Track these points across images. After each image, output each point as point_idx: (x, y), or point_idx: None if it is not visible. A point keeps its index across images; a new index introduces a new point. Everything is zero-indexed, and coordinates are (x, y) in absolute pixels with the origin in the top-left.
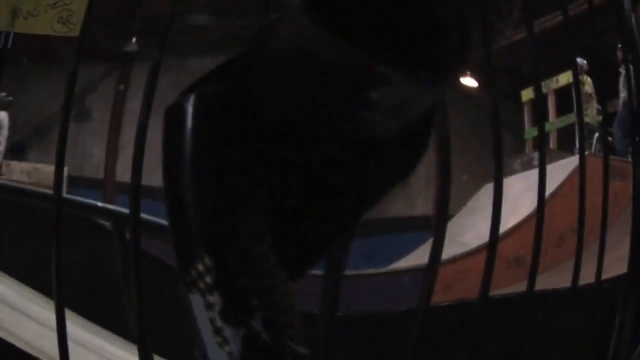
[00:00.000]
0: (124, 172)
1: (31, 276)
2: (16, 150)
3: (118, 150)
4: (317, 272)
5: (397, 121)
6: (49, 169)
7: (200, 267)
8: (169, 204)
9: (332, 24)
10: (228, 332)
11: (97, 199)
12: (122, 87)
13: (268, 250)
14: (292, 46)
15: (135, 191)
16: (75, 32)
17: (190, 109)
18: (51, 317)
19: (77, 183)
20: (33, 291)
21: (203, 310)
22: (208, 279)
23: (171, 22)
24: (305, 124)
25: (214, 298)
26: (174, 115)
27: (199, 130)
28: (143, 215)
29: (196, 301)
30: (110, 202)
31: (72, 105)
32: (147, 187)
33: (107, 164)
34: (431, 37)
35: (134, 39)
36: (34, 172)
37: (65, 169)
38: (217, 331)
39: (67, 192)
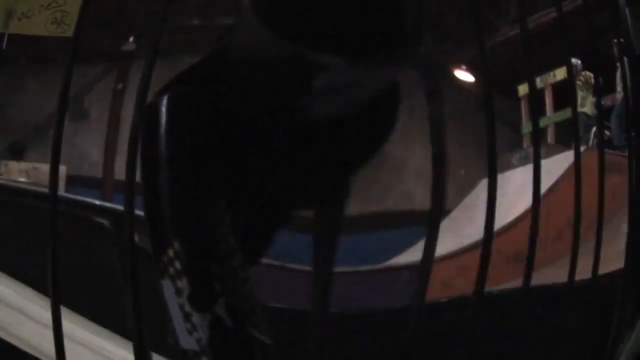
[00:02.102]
0: (122, 171)
1: (30, 276)
2: (15, 150)
3: (116, 149)
4: (307, 268)
5: (344, 103)
6: (47, 169)
7: (171, 252)
8: (145, 195)
9: (277, 21)
10: (196, 318)
11: (96, 198)
12: (120, 86)
13: (229, 235)
14: (245, 46)
15: (130, 188)
16: (70, 33)
17: (163, 109)
18: (50, 317)
19: (76, 182)
20: (32, 291)
21: (173, 296)
22: (177, 265)
23: (164, 20)
24: (258, 118)
25: (183, 283)
26: (150, 114)
27: (170, 129)
28: (138, 212)
29: (167, 287)
30: (109, 201)
31: (68, 105)
32: (138, 184)
33: (106, 163)
34: (372, 23)
35: (131, 38)
36: (32, 172)
37: (64, 168)
38: (187, 317)
39: (66, 191)
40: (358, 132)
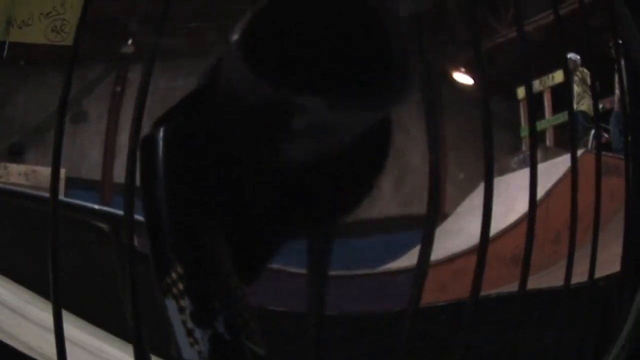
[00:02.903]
0: (121, 174)
1: (29, 278)
2: (14, 152)
3: (115, 151)
4: (303, 271)
5: (325, 146)
6: (47, 172)
7: (174, 275)
8: (147, 221)
9: (258, 62)
10: (197, 333)
11: (95, 200)
12: (118, 88)
13: (227, 257)
14: (230, 83)
15: (129, 193)
16: (69, 41)
17: (159, 141)
18: (50, 319)
19: (75, 185)
20: (32, 293)
21: (177, 313)
22: (180, 286)
23: (163, 21)
24: (242, 160)
25: (185, 302)
26: (147, 145)
27: (166, 161)
28: (137, 217)
29: (171, 305)
30: (108, 203)
31: (67, 108)
32: (136, 186)
33: (105, 166)
34: (355, 62)
35: (130, 41)
36: (32, 175)
37: (63, 171)
38: (189, 332)
39: (65, 194)
40: (344, 174)
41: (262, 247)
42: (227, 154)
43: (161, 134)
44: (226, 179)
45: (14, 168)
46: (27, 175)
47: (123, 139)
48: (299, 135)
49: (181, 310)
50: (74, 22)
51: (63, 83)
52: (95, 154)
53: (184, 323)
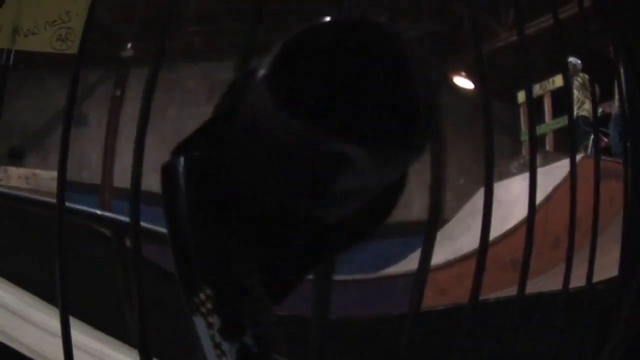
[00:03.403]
0: (120, 178)
1: (30, 282)
2: (14, 156)
3: (115, 155)
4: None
5: (355, 204)
6: (47, 175)
7: (203, 296)
8: (173, 246)
9: (294, 102)
10: (225, 346)
11: (94, 204)
12: (118, 92)
13: (256, 282)
14: (251, 117)
15: (135, 201)
16: (74, 50)
17: (181, 170)
18: (51, 322)
19: (74, 188)
20: (33, 296)
21: (205, 329)
22: (209, 305)
23: (167, 27)
24: (264, 194)
25: (214, 319)
26: (168, 174)
27: (188, 190)
28: (142, 223)
29: (199, 322)
30: (108, 207)
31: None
32: (142, 192)
33: (104, 170)
34: (396, 110)
35: (129, 45)
36: (32, 178)
37: None
38: (217, 346)
39: (65, 197)
40: (357, 219)
41: (287, 270)
42: (249, 186)
43: (182, 163)
44: (248, 209)
45: (14, 171)
46: (28, 178)
47: (122, 142)
48: (327, 176)
49: (209, 326)
50: (78, 30)
51: (68, 95)
52: (94, 157)
53: (212, 337)
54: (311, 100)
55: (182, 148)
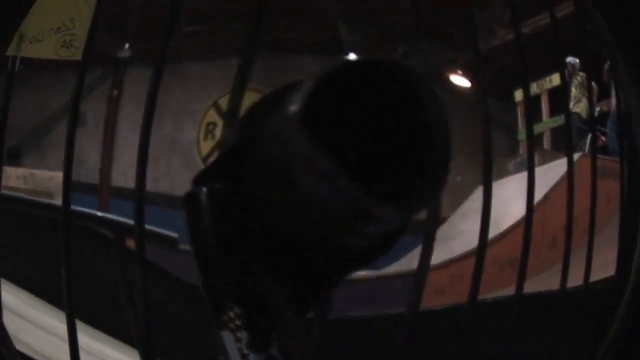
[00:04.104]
0: (118, 177)
1: (31, 282)
2: (11, 156)
3: (113, 155)
4: None
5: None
6: (44, 175)
7: (231, 314)
8: (200, 270)
9: (325, 144)
10: (252, 357)
11: (93, 204)
12: (115, 92)
13: (281, 300)
14: (282, 155)
15: (139, 207)
16: (79, 56)
17: (204, 200)
18: (52, 323)
19: (73, 188)
20: (33, 296)
21: (233, 342)
22: (237, 322)
23: (171, 28)
24: (288, 229)
25: (242, 334)
26: (191, 204)
27: (213, 222)
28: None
29: (227, 337)
30: (106, 207)
31: (65, 111)
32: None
33: (102, 169)
34: (415, 166)
35: (127, 45)
36: (30, 178)
37: (61, 175)
38: (244, 357)
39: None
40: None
41: (309, 287)
42: (270, 217)
43: (205, 194)
44: (271, 237)
45: (12, 171)
46: (25, 178)
47: (120, 142)
48: (362, 234)
49: (237, 340)
50: (83, 37)
51: (71, 104)
52: (92, 157)
53: (239, 350)
54: (339, 143)
55: (204, 177)
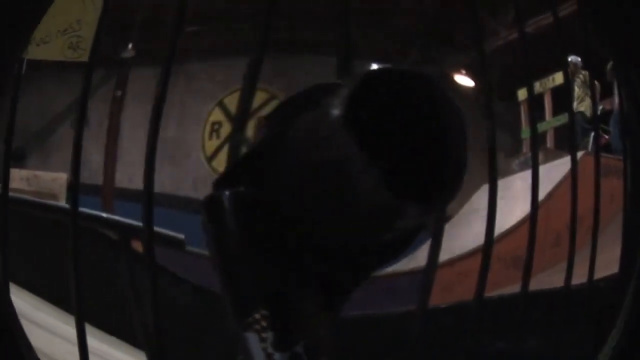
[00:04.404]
0: (122, 178)
1: (34, 284)
2: (15, 157)
3: (116, 156)
4: None
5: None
6: (48, 176)
7: (257, 315)
8: (223, 273)
9: (368, 146)
10: (277, 356)
11: (97, 205)
12: (119, 93)
13: (308, 300)
14: (317, 155)
15: (148, 205)
16: (85, 57)
17: (226, 204)
18: (58, 325)
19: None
20: (38, 299)
21: (257, 343)
22: (263, 323)
23: (179, 28)
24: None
25: (267, 335)
26: (214, 207)
27: (237, 225)
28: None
29: (252, 338)
30: (110, 208)
31: (70, 111)
32: (138, 191)
33: (106, 170)
34: (438, 168)
35: (130, 45)
36: (33, 180)
37: (64, 176)
38: (269, 356)
39: (67, 199)
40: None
41: (337, 286)
42: (296, 219)
43: (228, 199)
44: (299, 238)
45: (16, 173)
46: (29, 180)
47: (124, 143)
48: (394, 230)
49: (262, 340)
50: (89, 38)
51: (79, 109)
52: (96, 158)
53: (264, 349)
54: (371, 144)
55: (225, 180)
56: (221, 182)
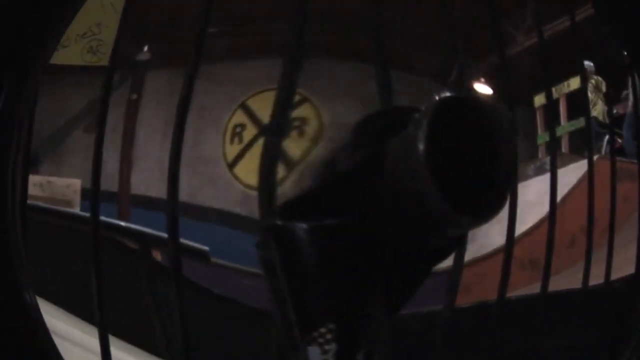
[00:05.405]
0: (138, 184)
1: (49, 290)
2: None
3: (132, 162)
4: None
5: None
6: (61, 182)
7: (323, 330)
8: (291, 294)
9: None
10: None
11: (112, 212)
12: (134, 96)
13: (374, 307)
14: (405, 185)
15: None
16: (105, 61)
17: (304, 237)
18: (73, 332)
19: (91, 196)
20: (53, 306)
21: (319, 355)
22: (328, 336)
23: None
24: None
25: (330, 347)
26: (286, 237)
27: (316, 253)
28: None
29: (313, 351)
30: (126, 216)
31: (83, 116)
32: (154, 198)
33: (122, 176)
34: (486, 182)
35: (146, 48)
36: (47, 185)
37: (79, 182)
38: None
39: (81, 206)
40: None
41: (401, 289)
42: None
43: (305, 230)
44: (371, 254)
45: (30, 179)
46: (42, 186)
47: (139, 148)
48: (441, 233)
49: (324, 352)
50: (109, 42)
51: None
52: (111, 163)
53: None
54: (444, 169)
55: (293, 210)
56: (288, 211)
